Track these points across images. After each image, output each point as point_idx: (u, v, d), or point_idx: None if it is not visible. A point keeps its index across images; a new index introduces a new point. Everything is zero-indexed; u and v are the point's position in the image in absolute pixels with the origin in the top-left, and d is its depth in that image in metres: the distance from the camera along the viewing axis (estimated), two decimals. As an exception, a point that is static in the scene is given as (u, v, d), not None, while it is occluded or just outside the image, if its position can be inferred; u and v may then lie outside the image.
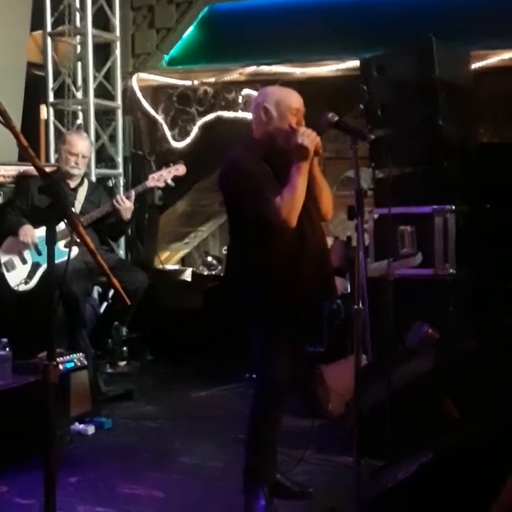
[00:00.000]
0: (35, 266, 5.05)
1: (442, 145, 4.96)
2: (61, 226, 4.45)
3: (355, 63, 5.90)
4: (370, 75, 5.23)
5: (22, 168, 5.40)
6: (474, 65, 5.64)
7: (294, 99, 3.24)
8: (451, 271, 4.80)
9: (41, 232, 4.97)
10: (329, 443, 3.97)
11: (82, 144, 5.31)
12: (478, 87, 5.50)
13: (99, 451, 4.13)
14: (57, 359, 3.96)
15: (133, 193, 5.17)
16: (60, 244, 4.80)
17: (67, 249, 4.78)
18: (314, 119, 3.26)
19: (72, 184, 5.27)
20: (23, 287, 5.03)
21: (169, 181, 5.24)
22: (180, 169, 5.26)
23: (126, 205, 5.08)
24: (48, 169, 3.39)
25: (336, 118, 3.14)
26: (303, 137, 3.08)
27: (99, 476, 3.76)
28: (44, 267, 5.01)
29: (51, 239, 2.13)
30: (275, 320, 3.20)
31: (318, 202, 3.29)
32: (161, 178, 5.21)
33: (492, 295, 4.76)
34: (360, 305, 3.02)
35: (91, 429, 4.35)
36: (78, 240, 2.14)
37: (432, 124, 4.90)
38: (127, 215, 5.13)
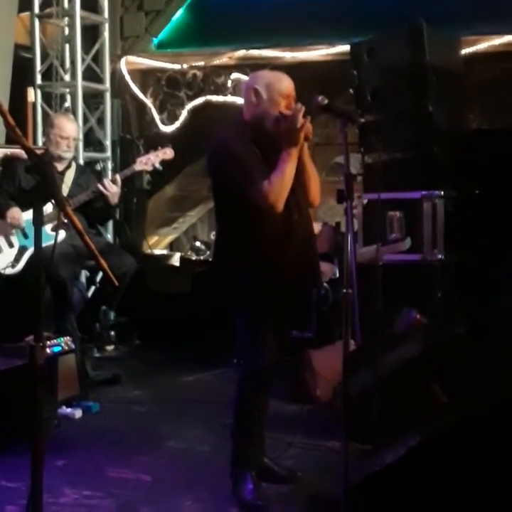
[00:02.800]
0: (22, 249, 5.02)
1: (432, 130, 4.95)
2: (48, 209, 4.47)
3: (346, 48, 5.87)
4: (361, 59, 5.21)
5: (9, 151, 5.36)
6: (464, 51, 5.64)
7: (286, 84, 3.22)
8: (440, 256, 4.81)
9: (28, 215, 4.93)
10: (317, 428, 3.97)
11: (72, 127, 5.28)
12: (468, 72, 5.49)
13: (87, 434, 4.11)
14: (45, 342, 3.96)
15: (118, 177, 5.14)
16: (47, 228, 4.78)
17: (54, 233, 4.75)
18: (304, 104, 3.24)
19: (60, 167, 5.23)
20: (9, 270, 5.00)
21: (157, 165, 5.21)
22: (168, 153, 5.24)
23: (113, 189, 5.05)
24: (37, 151, 3.36)
25: (326, 101, 3.12)
26: (290, 122, 3.07)
27: (86, 459, 3.75)
28: (31, 250, 4.98)
29: (38, 220, 2.10)
30: (260, 304, 3.20)
31: (307, 188, 3.28)
32: (148, 161, 5.19)
33: (480, 280, 4.77)
34: (349, 290, 3.01)
35: (78, 413, 4.33)
36: (66, 221, 2.11)
37: (421, 109, 4.90)
38: (115, 199, 5.10)
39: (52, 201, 2.11)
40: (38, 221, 2.10)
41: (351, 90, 5.26)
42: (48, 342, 4.15)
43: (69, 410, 4.32)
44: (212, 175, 3.27)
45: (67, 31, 6.63)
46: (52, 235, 4.61)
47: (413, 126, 4.97)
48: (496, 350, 3.66)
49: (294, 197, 3.19)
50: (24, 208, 4.96)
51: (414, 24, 4.92)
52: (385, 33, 5.24)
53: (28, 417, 2.07)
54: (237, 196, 3.13)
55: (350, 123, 3.11)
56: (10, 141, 5.62)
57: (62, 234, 4.88)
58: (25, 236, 5.00)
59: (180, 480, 3.51)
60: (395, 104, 4.98)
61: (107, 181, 5.10)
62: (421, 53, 4.86)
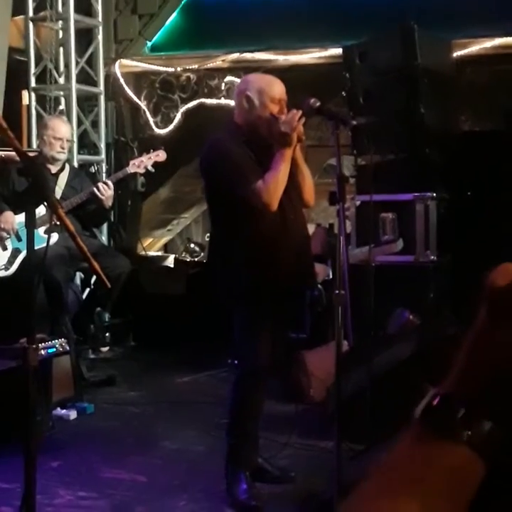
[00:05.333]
0: (15, 252, 5.03)
1: (424, 132, 4.97)
2: (41, 212, 4.48)
3: (338, 51, 5.89)
4: (353, 62, 5.22)
5: (3, 154, 5.36)
6: (456, 54, 5.66)
7: (277, 89, 3.24)
8: (432, 257, 4.82)
9: (21, 218, 4.94)
10: (311, 428, 3.99)
11: (66, 128, 5.31)
12: (460, 75, 5.52)
13: (82, 436, 4.13)
14: (39, 344, 3.97)
15: (112, 179, 5.17)
16: (40, 231, 4.78)
17: (47, 236, 4.76)
18: (297, 106, 3.27)
19: (54, 169, 5.24)
20: (2, 273, 5.01)
21: (149, 167, 5.24)
22: (160, 155, 5.26)
23: (107, 193, 5.07)
24: (30, 154, 3.36)
25: (318, 103, 3.15)
26: (285, 125, 3.10)
27: (81, 460, 3.76)
28: (24, 253, 4.98)
29: (31, 223, 2.12)
30: (256, 304, 3.22)
31: (301, 188, 3.31)
32: (141, 164, 5.21)
33: (472, 281, 4.79)
34: (342, 291, 3.03)
35: (73, 414, 4.35)
36: (58, 223, 2.13)
37: (413, 111, 4.91)
38: (108, 202, 5.12)
39: (45, 204, 2.13)
40: (31, 224, 2.12)
41: (343, 93, 5.28)
42: (43, 343, 4.16)
43: (64, 411, 4.33)
44: (206, 176, 3.29)
45: (61, 34, 6.65)
46: (45, 238, 4.61)
47: (405, 128, 4.99)
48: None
49: (288, 198, 3.22)
50: (18, 210, 4.97)
51: (406, 27, 4.93)
52: (376, 35, 5.26)
53: (22, 418, 2.09)
54: (231, 196, 3.15)
55: (342, 125, 3.15)
56: (3, 144, 5.62)
57: (55, 236, 4.89)
58: (19, 239, 5.01)
59: (174, 480, 3.53)
60: (387, 106, 5.00)
61: (100, 184, 5.12)
62: (412, 56, 4.88)
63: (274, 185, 3.10)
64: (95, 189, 5.07)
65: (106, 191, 5.05)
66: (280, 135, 3.11)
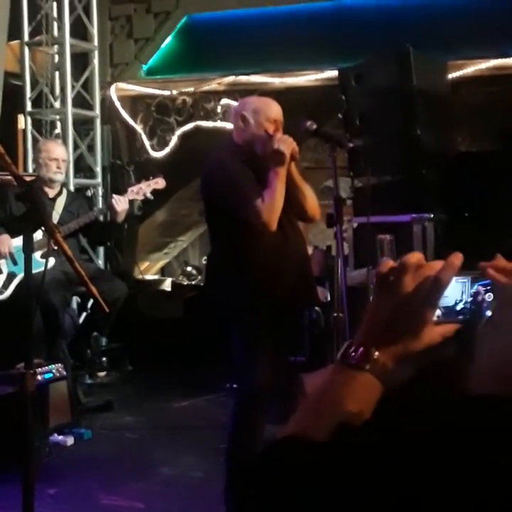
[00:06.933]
0: (11, 276, 5.00)
1: (420, 154, 4.98)
2: (38, 236, 4.46)
3: (334, 73, 5.91)
4: (349, 84, 5.24)
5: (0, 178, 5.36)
6: (451, 75, 5.69)
7: (273, 109, 3.26)
8: (431, 279, 4.81)
9: (18, 241, 4.92)
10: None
11: (60, 149, 5.31)
12: (456, 96, 5.54)
13: (79, 462, 4.08)
14: (36, 369, 3.93)
15: (127, 196, 5.13)
16: (37, 255, 4.77)
17: (44, 260, 4.74)
18: (293, 129, 3.27)
19: (51, 194, 5.23)
20: (-3, 297, 4.98)
21: (148, 195, 5.21)
22: (159, 182, 5.23)
23: (123, 205, 5.05)
24: (27, 178, 3.35)
25: (315, 126, 3.16)
26: (279, 143, 3.10)
27: (78, 487, 3.72)
28: (20, 277, 4.96)
29: (28, 247, 2.10)
30: (256, 325, 3.20)
31: (303, 205, 3.31)
32: (140, 191, 5.18)
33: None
34: (340, 313, 3.01)
35: (70, 440, 4.30)
36: (55, 248, 2.11)
37: (410, 133, 4.92)
38: (122, 216, 5.10)
39: (42, 228, 2.12)
40: (28, 248, 2.10)
41: (340, 115, 5.29)
42: (39, 369, 4.12)
43: (61, 438, 4.28)
44: (206, 194, 3.29)
45: (56, 59, 6.67)
46: (42, 262, 4.60)
47: (402, 150, 5.00)
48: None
49: (287, 217, 3.21)
50: (15, 234, 4.96)
51: (401, 49, 4.95)
52: (372, 57, 5.27)
53: (19, 445, 2.06)
54: (232, 215, 3.15)
55: (339, 147, 3.15)
56: (1, 168, 5.61)
57: (51, 260, 4.87)
58: (15, 262, 4.99)
59: (173, 507, 3.49)
60: (383, 127, 5.01)
61: (116, 197, 5.09)
62: (408, 77, 4.90)
63: (272, 205, 3.10)
64: (113, 201, 5.05)
65: (122, 203, 5.04)
66: (274, 153, 3.11)
